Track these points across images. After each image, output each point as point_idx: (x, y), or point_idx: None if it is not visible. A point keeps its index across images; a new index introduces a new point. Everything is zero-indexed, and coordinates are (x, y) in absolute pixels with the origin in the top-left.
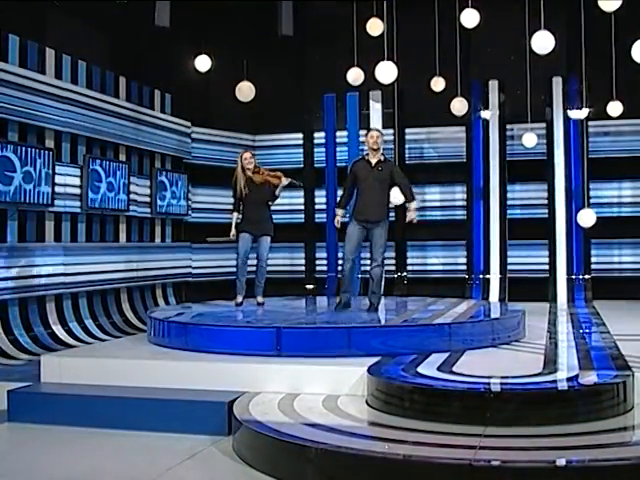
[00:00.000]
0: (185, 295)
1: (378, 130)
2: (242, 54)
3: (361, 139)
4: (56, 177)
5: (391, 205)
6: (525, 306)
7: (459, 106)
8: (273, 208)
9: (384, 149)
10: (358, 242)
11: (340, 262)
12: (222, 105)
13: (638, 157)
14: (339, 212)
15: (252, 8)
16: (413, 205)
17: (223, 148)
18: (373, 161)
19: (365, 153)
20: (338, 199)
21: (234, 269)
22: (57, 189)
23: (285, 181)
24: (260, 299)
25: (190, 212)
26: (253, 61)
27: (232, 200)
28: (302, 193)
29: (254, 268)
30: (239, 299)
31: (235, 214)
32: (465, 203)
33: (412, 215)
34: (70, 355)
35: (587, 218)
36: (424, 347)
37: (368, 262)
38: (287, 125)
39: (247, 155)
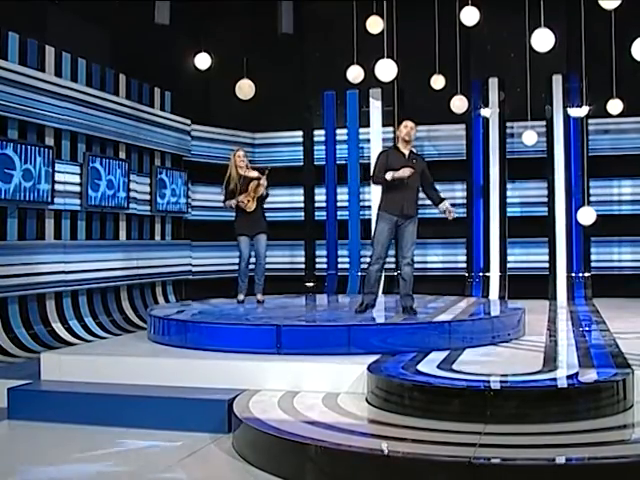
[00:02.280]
0: (185, 293)
1: (413, 121)
2: (242, 52)
3: (388, 135)
4: (56, 175)
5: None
6: (525, 304)
7: (459, 104)
8: (273, 206)
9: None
10: (389, 240)
11: (367, 260)
12: (222, 103)
13: (638, 155)
14: (388, 175)
15: (252, 6)
16: (447, 203)
17: (223, 146)
18: (405, 152)
19: (393, 145)
20: (373, 174)
21: (234, 267)
22: (57, 187)
23: (264, 181)
24: (260, 297)
25: (190, 210)
26: (253, 59)
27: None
28: (302, 191)
29: (253, 266)
30: (241, 297)
31: (229, 201)
32: (465, 201)
33: (451, 210)
34: (70, 353)
35: (587, 216)
36: (424, 345)
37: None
38: (287, 123)
39: (241, 153)
